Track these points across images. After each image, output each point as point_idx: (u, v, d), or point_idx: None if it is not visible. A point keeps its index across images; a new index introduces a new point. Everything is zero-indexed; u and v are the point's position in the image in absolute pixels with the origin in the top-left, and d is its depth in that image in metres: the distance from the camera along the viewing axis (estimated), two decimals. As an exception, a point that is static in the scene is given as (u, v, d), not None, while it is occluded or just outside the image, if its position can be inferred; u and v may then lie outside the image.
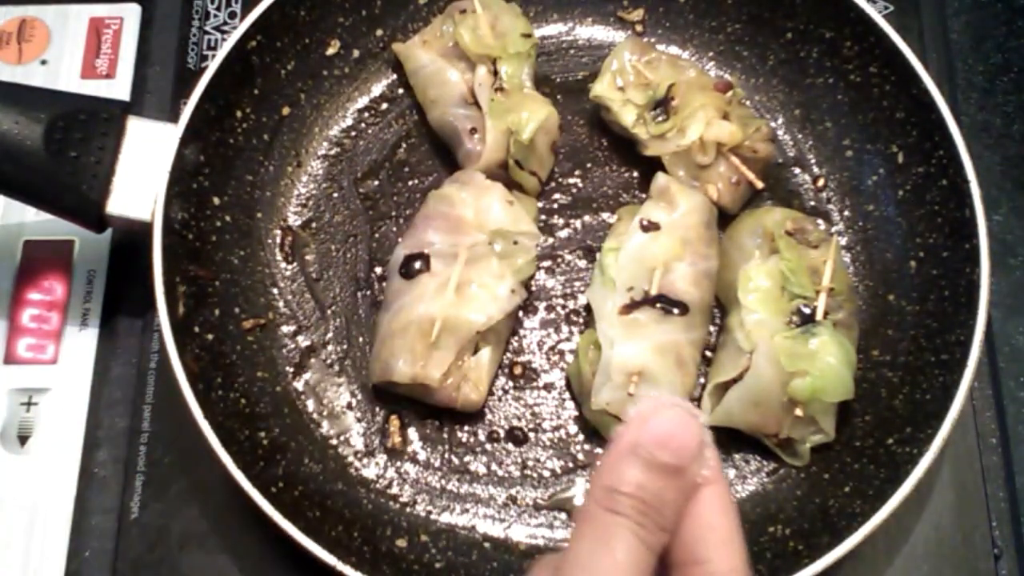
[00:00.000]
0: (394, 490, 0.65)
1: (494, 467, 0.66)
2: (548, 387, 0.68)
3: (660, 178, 0.68)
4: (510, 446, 0.66)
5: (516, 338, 0.69)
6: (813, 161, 0.74)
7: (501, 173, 0.69)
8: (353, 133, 0.76)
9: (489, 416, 0.67)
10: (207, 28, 0.79)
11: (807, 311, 0.62)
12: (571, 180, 0.74)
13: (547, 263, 0.71)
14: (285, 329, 0.69)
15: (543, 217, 0.72)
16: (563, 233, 0.72)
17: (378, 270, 0.71)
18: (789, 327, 0.62)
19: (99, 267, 0.71)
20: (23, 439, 0.66)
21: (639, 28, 0.78)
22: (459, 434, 0.66)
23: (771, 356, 0.61)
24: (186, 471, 0.65)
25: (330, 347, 0.69)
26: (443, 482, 0.65)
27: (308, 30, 0.73)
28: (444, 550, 0.63)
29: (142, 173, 0.63)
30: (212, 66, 0.67)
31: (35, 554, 0.63)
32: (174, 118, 0.67)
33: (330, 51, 0.75)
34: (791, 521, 0.62)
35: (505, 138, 0.69)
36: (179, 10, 0.80)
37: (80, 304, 0.70)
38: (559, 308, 0.70)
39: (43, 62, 0.78)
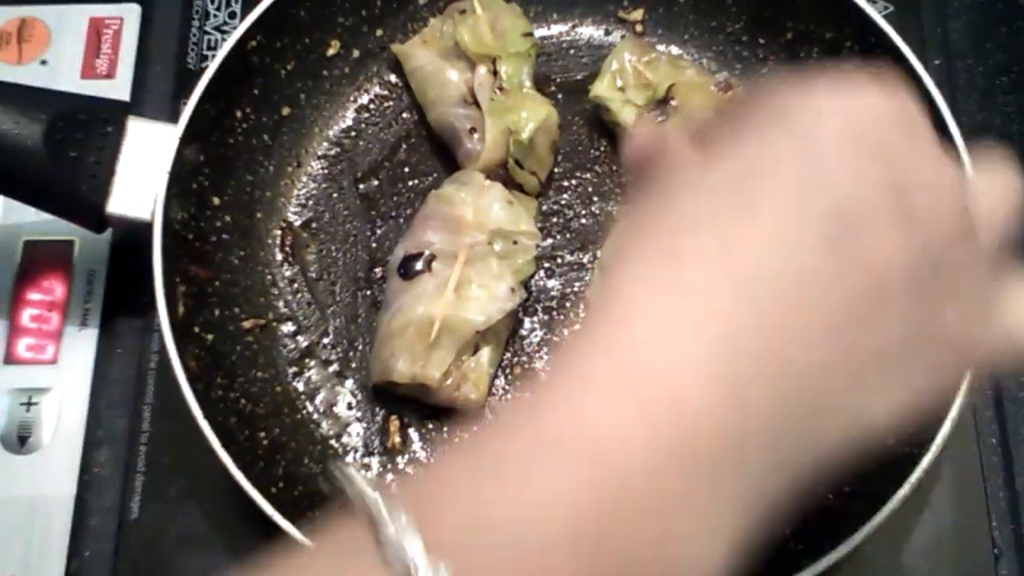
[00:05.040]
0: (394, 490, 0.65)
1: (494, 467, 0.66)
2: (548, 387, 0.68)
3: (660, 178, 0.68)
4: (510, 446, 0.66)
5: (516, 338, 0.69)
6: (813, 161, 0.74)
7: (501, 173, 0.69)
8: (353, 133, 0.76)
9: (489, 416, 0.67)
10: (207, 28, 0.80)
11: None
12: (571, 180, 0.74)
13: (547, 263, 0.71)
14: (285, 329, 0.69)
15: (543, 217, 0.72)
16: (563, 233, 0.72)
17: (378, 270, 0.71)
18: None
19: (99, 267, 0.71)
20: (23, 439, 0.66)
21: (639, 28, 0.78)
22: (459, 434, 0.66)
23: (771, 356, 0.60)
24: (186, 471, 0.65)
25: (330, 347, 0.69)
26: (443, 482, 0.65)
27: (308, 30, 0.73)
28: (444, 550, 0.63)
29: (142, 173, 0.63)
30: (212, 66, 0.67)
31: (35, 554, 0.63)
32: (174, 118, 0.67)
33: (330, 51, 0.75)
34: (791, 521, 0.62)
35: (504, 138, 0.69)
36: (179, 10, 0.80)
37: (80, 304, 0.70)
38: (559, 308, 0.70)
39: (43, 62, 0.78)
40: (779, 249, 0.32)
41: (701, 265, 0.32)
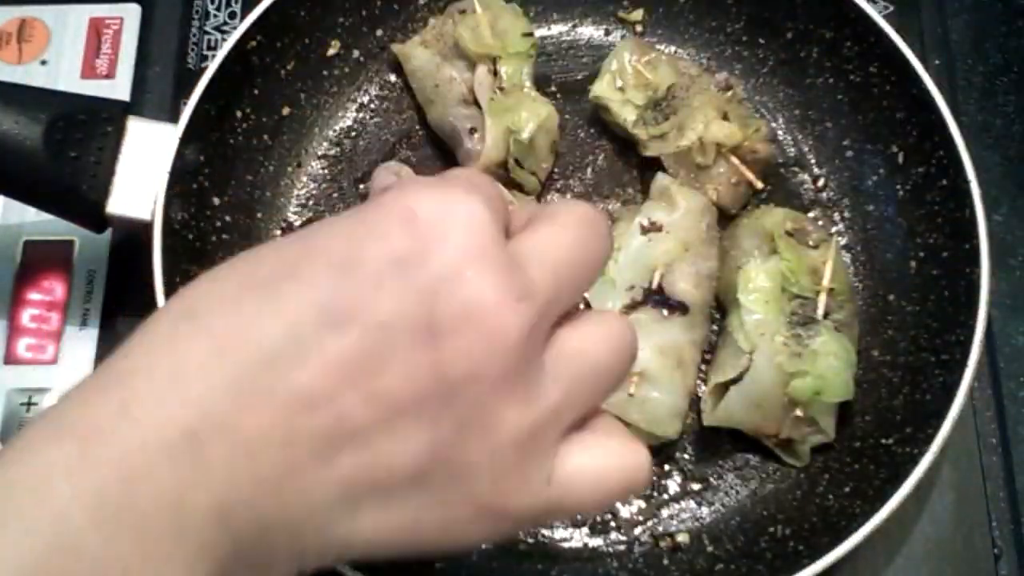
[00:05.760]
0: None
1: (494, 467, 0.66)
2: (548, 387, 0.68)
3: (660, 178, 0.68)
4: (510, 446, 0.66)
5: (516, 338, 0.69)
6: (813, 161, 0.74)
7: (501, 173, 0.69)
8: (353, 133, 0.76)
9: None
10: (207, 28, 0.80)
11: (807, 311, 0.62)
12: (571, 180, 0.74)
13: (547, 263, 0.71)
14: (285, 329, 0.69)
15: (543, 217, 0.72)
16: (563, 233, 0.72)
17: (378, 270, 0.71)
18: (789, 327, 0.62)
19: (99, 267, 0.71)
20: (23, 439, 0.66)
21: (639, 28, 0.78)
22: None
23: (771, 356, 0.61)
24: (186, 471, 0.65)
25: (330, 347, 0.69)
26: (443, 482, 0.65)
27: (308, 30, 0.73)
28: (444, 550, 0.63)
29: (142, 173, 0.63)
30: (212, 66, 0.67)
31: (35, 554, 0.63)
32: (174, 118, 0.67)
33: (330, 51, 0.75)
34: (791, 521, 0.62)
35: (505, 138, 0.69)
36: (179, 10, 0.80)
37: (80, 304, 0.70)
38: (559, 308, 0.70)
39: (43, 62, 0.78)
40: (284, 344, 0.31)
41: (202, 336, 0.33)
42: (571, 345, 0.34)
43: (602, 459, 0.35)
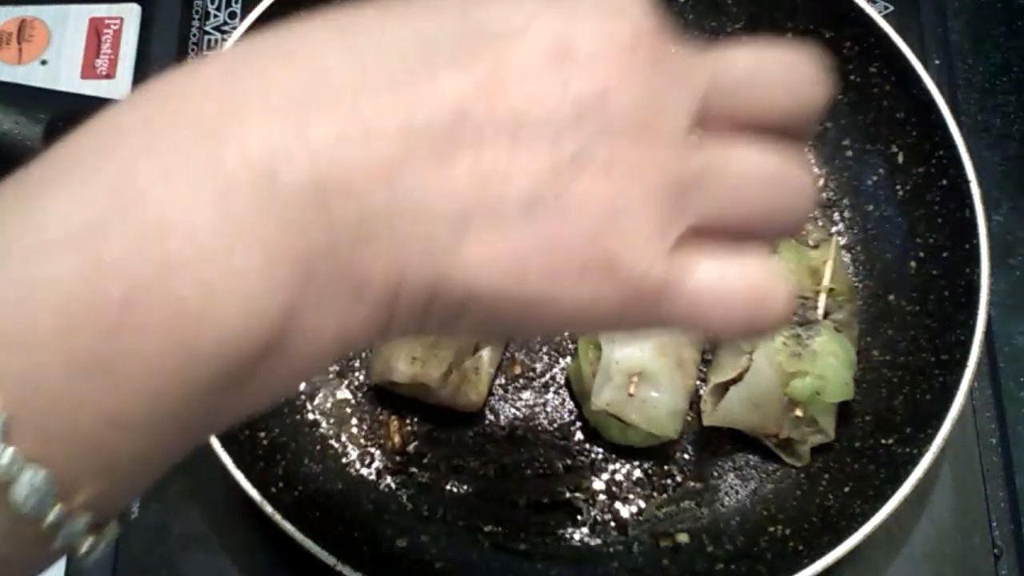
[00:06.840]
0: (394, 490, 0.65)
1: (494, 467, 0.66)
2: (548, 387, 0.68)
3: (660, 178, 0.68)
4: (510, 446, 0.66)
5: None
6: (813, 161, 0.74)
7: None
8: (353, 133, 0.76)
9: (489, 416, 0.67)
10: (207, 28, 0.80)
11: (807, 311, 0.62)
12: (571, 180, 0.74)
13: (547, 263, 0.71)
14: (285, 329, 0.69)
15: (543, 217, 0.72)
16: (563, 233, 0.72)
17: (378, 270, 0.71)
18: (789, 327, 0.62)
19: (99, 267, 0.71)
20: (23, 439, 0.66)
21: (639, 28, 0.78)
22: (459, 434, 0.67)
23: (771, 356, 0.61)
24: (186, 471, 0.65)
25: (330, 347, 0.69)
26: (443, 482, 0.65)
27: (308, 30, 0.73)
28: (444, 550, 0.63)
29: (142, 173, 0.63)
30: (212, 66, 0.67)
31: (35, 554, 0.63)
32: (174, 118, 0.67)
33: (330, 51, 0.75)
34: (791, 521, 0.62)
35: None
36: (179, 10, 0.80)
37: (80, 304, 0.70)
38: (559, 308, 0.70)
39: (43, 62, 0.78)
40: (411, 46, 0.30)
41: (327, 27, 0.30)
42: (739, 148, 0.32)
43: (736, 271, 0.33)
